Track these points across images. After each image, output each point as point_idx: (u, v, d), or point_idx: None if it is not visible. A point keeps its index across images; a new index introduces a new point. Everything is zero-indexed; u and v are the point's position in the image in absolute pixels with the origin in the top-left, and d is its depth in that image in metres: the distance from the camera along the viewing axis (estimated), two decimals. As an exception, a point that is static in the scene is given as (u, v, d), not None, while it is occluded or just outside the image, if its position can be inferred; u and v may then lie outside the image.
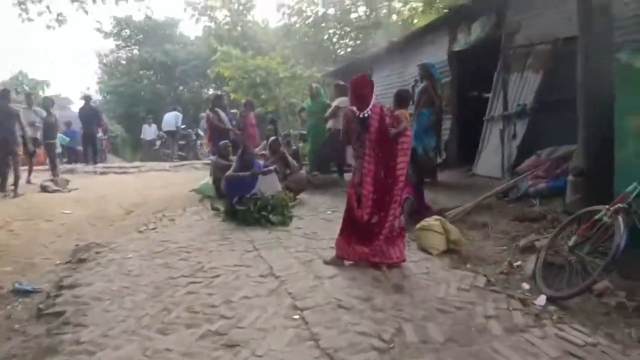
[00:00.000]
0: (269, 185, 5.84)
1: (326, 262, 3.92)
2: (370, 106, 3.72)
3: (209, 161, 10.77)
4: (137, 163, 13.97)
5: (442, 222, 4.31)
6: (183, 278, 3.79)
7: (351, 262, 3.85)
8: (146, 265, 4.20)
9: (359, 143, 3.79)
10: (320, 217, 5.90)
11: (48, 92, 29.71)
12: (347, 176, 7.47)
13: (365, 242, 3.78)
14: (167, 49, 26.72)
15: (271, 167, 5.90)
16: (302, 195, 6.91)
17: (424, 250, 4.27)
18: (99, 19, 36.03)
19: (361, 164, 3.77)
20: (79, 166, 12.06)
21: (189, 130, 16.10)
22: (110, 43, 29.33)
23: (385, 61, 9.45)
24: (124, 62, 29.16)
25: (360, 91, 3.76)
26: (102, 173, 11.23)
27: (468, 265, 3.89)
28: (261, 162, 6.16)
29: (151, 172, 11.79)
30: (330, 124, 7.80)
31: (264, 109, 13.06)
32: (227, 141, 7.31)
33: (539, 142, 5.71)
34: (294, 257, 4.19)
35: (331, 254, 4.03)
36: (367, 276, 3.62)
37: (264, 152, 8.68)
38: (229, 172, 5.67)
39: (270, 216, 5.41)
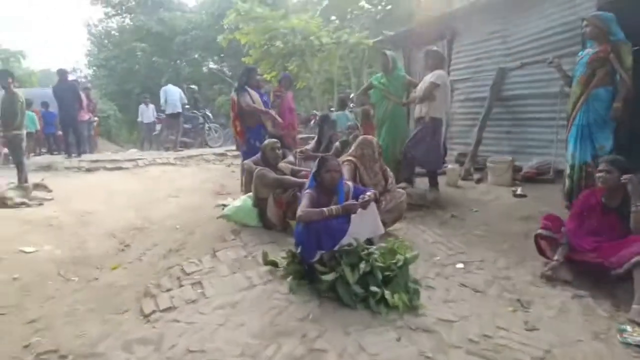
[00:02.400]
0: (367, 225, 3.34)
1: None
2: None
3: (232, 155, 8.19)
4: (133, 153, 11.36)
5: None
6: None
7: None
8: None
9: None
10: (456, 280, 3.41)
11: (28, 66, 26.63)
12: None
13: None
14: (163, 17, 23.69)
15: (369, 193, 3.35)
16: (396, 227, 4.40)
17: None
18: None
19: None
20: (59, 159, 9.46)
21: (195, 111, 13.43)
22: (99, 10, 26.29)
23: (477, 21, 6.80)
24: (115, 32, 26.12)
25: None
26: (88, 170, 8.63)
27: None
28: (349, 183, 3.60)
29: (152, 167, 9.21)
30: (421, 110, 5.23)
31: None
32: (275, 140, 4.74)
33: None
34: None
35: None
36: None
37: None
38: (303, 210, 3.11)
39: (387, 293, 2.92)
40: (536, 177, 5.59)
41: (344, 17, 9.60)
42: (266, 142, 4.55)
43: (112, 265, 4.24)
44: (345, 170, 3.91)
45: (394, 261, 3.15)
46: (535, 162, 5.71)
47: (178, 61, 24.49)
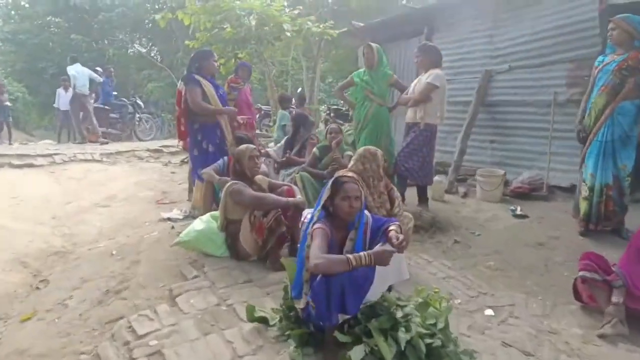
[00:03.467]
0: (391, 269, 2.50)
1: None
2: None
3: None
4: (49, 146, 9.61)
5: None
6: None
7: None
8: None
9: None
10: (495, 336, 2.70)
11: None
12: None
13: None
14: (85, -11, 21.10)
15: (394, 227, 2.52)
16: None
17: None
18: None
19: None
20: None
21: (124, 99, 11.82)
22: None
23: (460, 16, 6.20)
24: (25, 3, 22.93)
25: None
26: (-12, 167, 6.99)
27: None
28: (367, 212, 2.72)
29: (72, 164, 7.71)
30: (415, 115, 4.49)
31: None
32: (253, 146, 3.71)
33: None
34: None
35: None
36: None
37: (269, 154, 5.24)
38: (321, 257, 2.18)
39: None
40: (529, 193, 5.11)
41: (300, 2, 8.59)
42: (242, 148, 3.54)
43: (23, 315, 3.05)
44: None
45: (432, 322, 2.37)
46: (526, 176, 5.23)
47: (102, 41, 22.03)
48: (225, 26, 7.69)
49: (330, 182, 2.49)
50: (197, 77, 4.56)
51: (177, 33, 20.86)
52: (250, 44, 7.75)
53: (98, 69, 12.52)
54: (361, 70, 5.07)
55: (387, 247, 2.32)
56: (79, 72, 10.09)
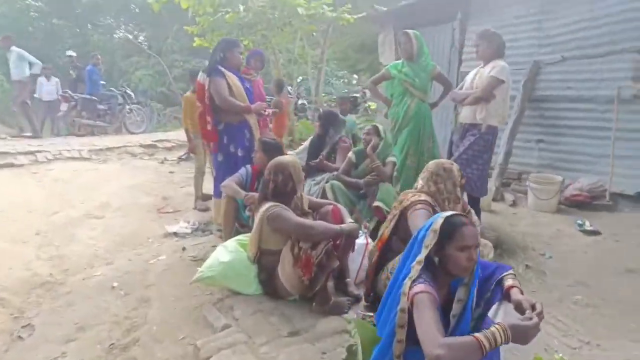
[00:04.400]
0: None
1: None
2: None
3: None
4: (31, 141, 8.70)
5: None
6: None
7: None
8: None
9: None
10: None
11: None
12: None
13: None
14: (67, -30, 19.84)
15: (511, 276, 1.85)
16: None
17: None
18: None
19: None
20: None
21: (113, 89, 10.91)
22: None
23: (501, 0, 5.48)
24: (2, -15, 21.56)
25: None
26: (-39, 167, 6.12)
27: None
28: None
29: (58, 163, 6.86)
30: (475, 115, 3.77)
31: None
32: (293, 156, 2.98)
33: None
34: None
35: None
36: None
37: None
38: (445, 342, 1.47)
39: None
40: (589, 202, 4.47)
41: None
42: (287, 160, 2.79)
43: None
44: (421, 219, 2.35)
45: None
46: (585, 182, 4.59)
47: (85, 26, 20.84)
48: (228, 10, 6.85)
49: (441, 225, 1.76)
50: (221, 68, 3.79)
51: (166, 18, 19.84)
52: (257, 29, 6.94)
53: (71, 53, 11.49)
54: (398, 61, 4.34)
55: (526, 319, 1.61)
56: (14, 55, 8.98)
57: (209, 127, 4.00)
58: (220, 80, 3.80)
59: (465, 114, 3.86)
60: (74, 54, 11.32)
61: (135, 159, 7.78)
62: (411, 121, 4.11)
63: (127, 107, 10.68)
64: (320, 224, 2.62)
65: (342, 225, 2.69)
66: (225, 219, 3.39)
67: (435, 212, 2.48)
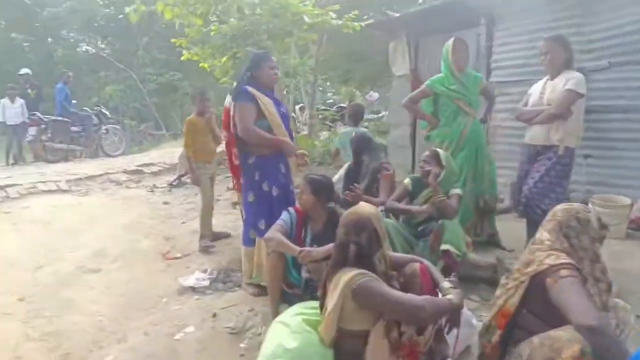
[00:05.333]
0: None
1: None
2: None
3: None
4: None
5: None
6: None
7: None
8: None
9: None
10: None
11: None
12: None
13: None
14: (25, -19, 18.57)
15: None
16: None
17: None
18: None
19: None
20: None
21: (86, 109, 10.00)
22: None
23: (533, 2, 5.02)
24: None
25: None
26: None
27: None
28: None
29: (32, 198, 5.99)
30: (549, 135, 3.22)
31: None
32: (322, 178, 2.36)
33: None
34: None
35: None
36: None
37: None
38: None
39: None
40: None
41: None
42: (367, 209, 2.15)
43: None
44: (575, 295, 1.77)
45: None
46: (649, 202, 4.14)
47: (46, 40, 19.60)
48: (222, 18, 6.17)
49: None
50: (251, 89, 3.13)
51: (135, 30, 18.84)
52: (253, 39, 6.27)
53: (26, 71, 10.29)
54: (440, 75, 3.78)
55: None
56: None
57: (235, 161, 3.34)
58: (246, 106, 3.15)
59: (536, 135, 3.32)
60: (29, 71, 10.25)
61: (121, 188, 6.98)
62: (467, 143, 3.57)
63: (103, 127, 9.79)
64: (429, 301, 1.98)
65: (450, 296, 2.07)
66: (271, 280, 2.72)
67: (584, 279, 1.91)
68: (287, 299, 2.81)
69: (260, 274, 3.17)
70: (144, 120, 17.74)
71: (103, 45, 20.31)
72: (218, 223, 4.85)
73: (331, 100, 13.96)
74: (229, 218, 5.28)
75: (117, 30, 19.60)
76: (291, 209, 2.94)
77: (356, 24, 6.25)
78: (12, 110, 9.24)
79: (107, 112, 10.30)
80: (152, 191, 6.94)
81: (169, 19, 7.22)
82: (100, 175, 7.21)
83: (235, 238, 4.56)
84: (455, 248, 3.00)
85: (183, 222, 5.24)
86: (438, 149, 3.35)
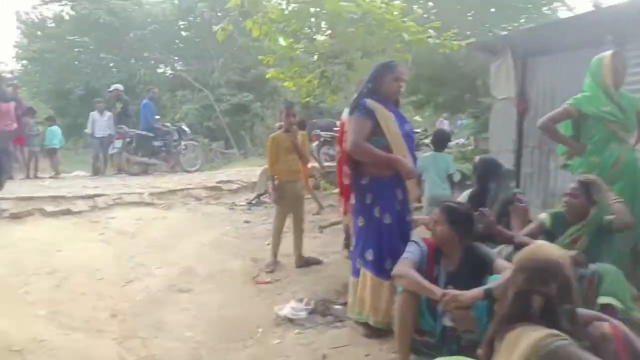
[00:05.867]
0: None
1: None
2: None
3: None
4: (86, 182, 7.95)
5: None
6: None
7: None
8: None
9: None
10: None
11: None
12: None
13: None
14: (114, 5, 19.91)
15: None
16: None
17: None
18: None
19: None
20: None
21: (168, 125, 10.24)
22: (33, -6, 21.91)
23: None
24: (51, 23, 21.80)
25: None
26: (14, 216, 5.26)
27: None
28: None
29: (118, 209, 6.00)
30: None
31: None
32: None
33: None
34: None
35: None
36: None
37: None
38: None
39: None
40: None
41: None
42: (554, 251, 1.73)
43: None
44: None
45: None
46: None
47: (130, 60, 20.78)
48: (313, 37, 6.01)
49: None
50: (370, 102, 2.82)
51: (212, 52, 19.54)
52: (344, 58, 6.04)
53: (118, 86, 10.59)
54: (586, 94, 3.26)
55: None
56: None
57: (346, 180, 3.00)
58: (360, 119, 2.82)
59: None
60: (120, 86, 10.65)
61: (201, 204, 6.89)
62: (622, 175, 3.02)
63: (183, 143, 9.93)
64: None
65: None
66: (401, 325, 2.30)
67: None
68: (415, 347, 2.38)
69: (363, 310, 2.79)
70: (215, 139, 18.18)
71: (181, 67, 21.22)
72: (305, 247, 4.53)
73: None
74: (316, 243, 4.96)
75: (195, 52, 20.46)
76: (420, 242, 2.54)
77: (455, 42, 5.85)
78: (100, 123, 9.62)
79: (187, 129, 10.45)
80: (232, 209, 6.81)
81: (255, 36, 7.20)
82: (181, 190, 7.18)
83: (328, 265, 4.23)
84: (618, 302, 2.46)
85: (268, 243, 4.97)
86: (592, 176, 2.83)
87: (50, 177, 8.95)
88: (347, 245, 4.10)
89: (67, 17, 21.41)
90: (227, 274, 4.08)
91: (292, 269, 4.19)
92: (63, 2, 21.62)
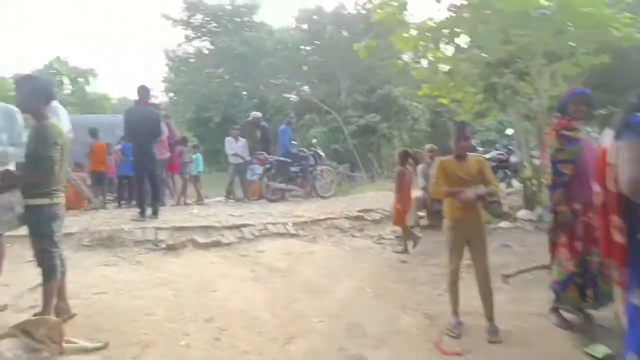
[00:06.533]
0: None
1: None
2: None
3: None
4: (227, 208, 7.97)
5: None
6: None
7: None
8: None
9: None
10: None
11: (96, 86, 25.48)
12: None
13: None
14: (248, 36, 21.06)
15: None
16: None
17: None
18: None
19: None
20: (126, 226, 5.96)
21: (304, 149, 10.01)
22: (179, 32, 24.27)
23: None
24: (192, 58, 23.89)
25: None
26: (170, 248, 5.19)
27: None
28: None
29: (265, 240, 5.70)
30: None
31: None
32: None
33: None
34: None
35: None
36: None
37: None
38: None
39: None
40: None
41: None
42: None
43: None
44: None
45: None
46: None
47: (262, 87, 21.74)
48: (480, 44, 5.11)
49: None
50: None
51: (338, 74, 19.54)
52: (519, 64, 5.03)
53: (257, 114, 10.61)
54: None
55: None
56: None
57: (617, 237, 2.06)
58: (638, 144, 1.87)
59: None
60: (259, 114, 10.74)
61: (346, 236, 6.34)
62: None
63: (318, 168, 9.60)
64: None
65: None
66: None
67: None
68: None
69: None
70: (341, 162, 17.97)
71: (306, 91, 21.60)
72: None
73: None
74: (499, 299, 3.95)
75: (320, 75, 20.71)
76: None
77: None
78: (236, 148, 9.75)
79: (323, 154, 10.14)
80: (379, 243, 6.13)
81: (399, 49, 6.55)
82: (324, 219, 6.71)
83: (531, 334, 3.25)
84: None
85: (439, 294, 4.13)
86: None
87: (195, 203, 9.22)
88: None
89: (206, 52, 23.28)
90: (401, 336, 3.33)
91: (482, 333, 3.29)
92: (203, 39, 23.64)
